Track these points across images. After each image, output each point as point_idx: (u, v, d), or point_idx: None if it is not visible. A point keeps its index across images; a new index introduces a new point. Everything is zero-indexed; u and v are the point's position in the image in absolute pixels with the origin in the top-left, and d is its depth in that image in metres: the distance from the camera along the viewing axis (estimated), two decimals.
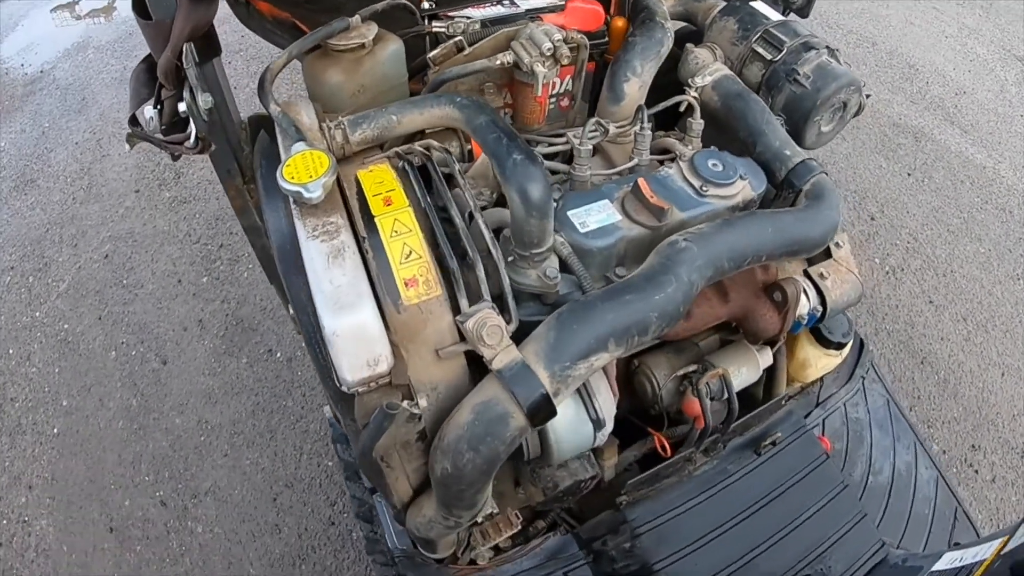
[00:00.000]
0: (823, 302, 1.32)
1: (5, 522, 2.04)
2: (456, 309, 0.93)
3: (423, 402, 0.91)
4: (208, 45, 1.16)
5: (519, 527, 1.23)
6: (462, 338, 0.93)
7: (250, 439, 2.22)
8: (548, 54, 1.21)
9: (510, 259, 1.01)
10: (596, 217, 1.11)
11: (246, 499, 2.12)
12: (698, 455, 1.36)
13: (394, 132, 1.13)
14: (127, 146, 1.20)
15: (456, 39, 1.29)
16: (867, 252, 2.77)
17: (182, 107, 1.14)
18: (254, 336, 2.41)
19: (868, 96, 1.41)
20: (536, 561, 1.33)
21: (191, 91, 1.11)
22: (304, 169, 0.95)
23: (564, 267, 1.06)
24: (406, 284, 0.91)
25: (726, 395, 1.31)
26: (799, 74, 1.30)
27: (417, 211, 0.98)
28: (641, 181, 1.11)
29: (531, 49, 1.22)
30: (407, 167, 1.05)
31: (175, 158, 1.25)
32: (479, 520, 1.18)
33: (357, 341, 0.85)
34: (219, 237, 2.62)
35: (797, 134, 1.35)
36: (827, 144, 1.47)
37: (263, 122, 1.33)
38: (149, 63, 1.15)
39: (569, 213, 1.10)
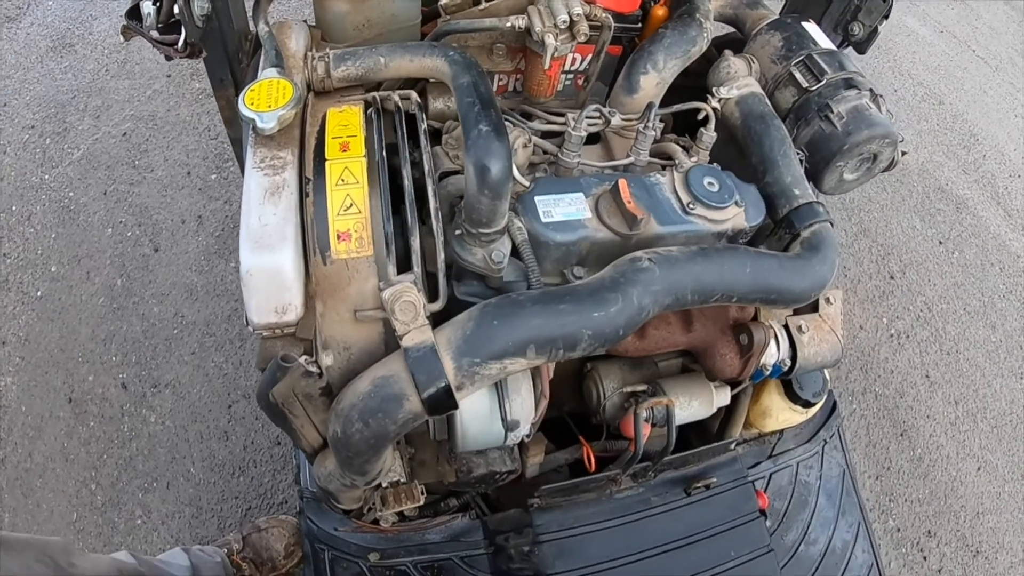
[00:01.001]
0: (793, 356, 1.24)
1: None
2: (386, 274, 0.89)
3: (328, 360, 0.88)
4: None
5: (420, 501, 1.21)
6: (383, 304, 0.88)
7: (220, 343, 2.23)
8: (563, 27, 1.13)
9: (458, 232, 0.96)
10: (564, 209, 1.04)
11: (203, 400, 2.14)
12: (624, 478, 1.31)
13: (380, 75, 1.07)
14: (121, 38, 1.17)
15: None
16: (877, 310, 2.64)
17: (176, 7, 1.10)
18: None
19: (904, 153, 1.29)
20: (438, 537, 1.30)
21: None
22: (265, 97, 0.91)
23: (517, 253, 1.00)
24: (338, 237, 0.87)
25: (663, 421, 1.26)
26: (832, 111, 1.19)
27: (371, 163, 0.93)
28: (622, 182, 1.04)
29: (547, 18, 1.14)
30: (375, 115, 0.99)
31: (168, 58, 1.21)
32: (383, 484, 1.16)
33: (269, 284, 0.82)
34: None
35: (816, 175, 1.25)
36: (855, 190, 1.36)
37: None
38: None
39: (537, 198, 1.04)
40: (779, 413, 1.50)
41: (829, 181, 1.27)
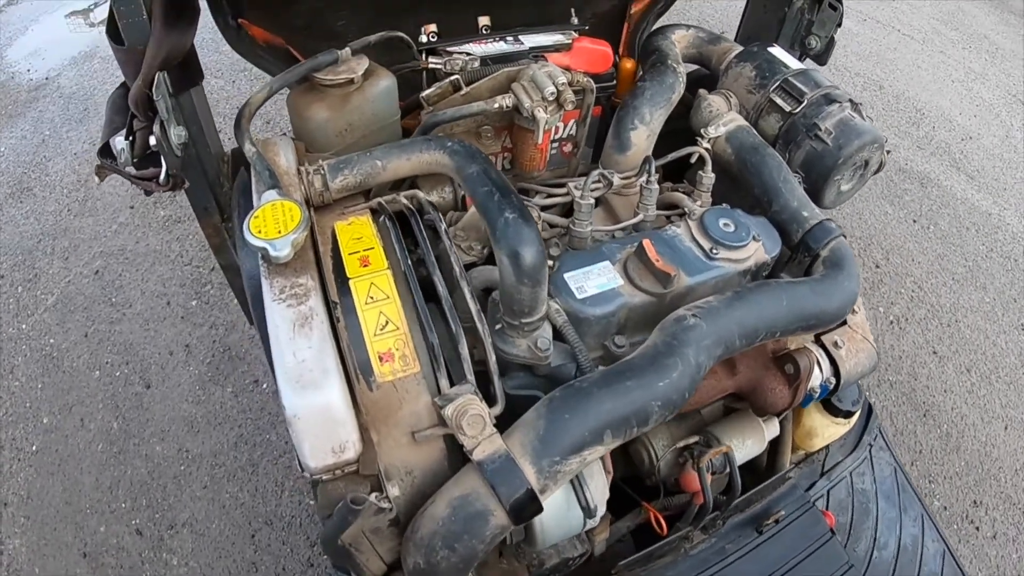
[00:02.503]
0: (836, 373, 1.24)
1: None
2: (436, 387, 0.85)
3: (395, 491, 0.82)
4: (186, 73, 1.08)
5: None
6: (442, 420, 0.84)
7: (231, 472, 2.13)
8: (551, 99, 1.14)
9: (498, 327, 0.93)
10: (596, 281, 1.02)
11: (224, 534, 2.03)
12: (695, 532, 1.27)
13: (378, 179, 1.06)
14: (96, 179, 1.13)
15: (452, 78, 1.21)
16: (872, 301, 2.68)
17: (152, 140, 1.05)
18: (241, 365, 2.33)
19: (888, 152, 1.33)
20: None
21: (161, 125, 1.03)
22: (273, 222, 0.87)
23: (558, 335, 0.98)
24: (380, 359, 0.83)
25: (727, 470, 1.23)
26: (820, 129, 1.22)
27: (396, 274, 0.90)
28: (646, 243, 1.03)
29: (533, 92, 1.15)
30: (388, 222, 0.97)
31: (148, 193, 1.17)
32: None
33: (321, 424, 0.77)
34: (211, 260, 2.54)
35: (816, 193, 1.27)
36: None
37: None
38: (125, 89, 1.07)
39: (566, 276, 1.02)
40: (824, 430, 1.48)
41: (829, 196, 1.29)
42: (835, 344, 1.25)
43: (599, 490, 0.95)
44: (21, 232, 2.65)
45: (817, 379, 1.22)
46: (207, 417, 2.22)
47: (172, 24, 0.98)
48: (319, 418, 0.77)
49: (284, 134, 1.25)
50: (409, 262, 0.91)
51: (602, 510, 0.98)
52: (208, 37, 1.59)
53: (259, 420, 2.23)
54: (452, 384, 0.84)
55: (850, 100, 1.26)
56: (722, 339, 0.96)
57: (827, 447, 1.53)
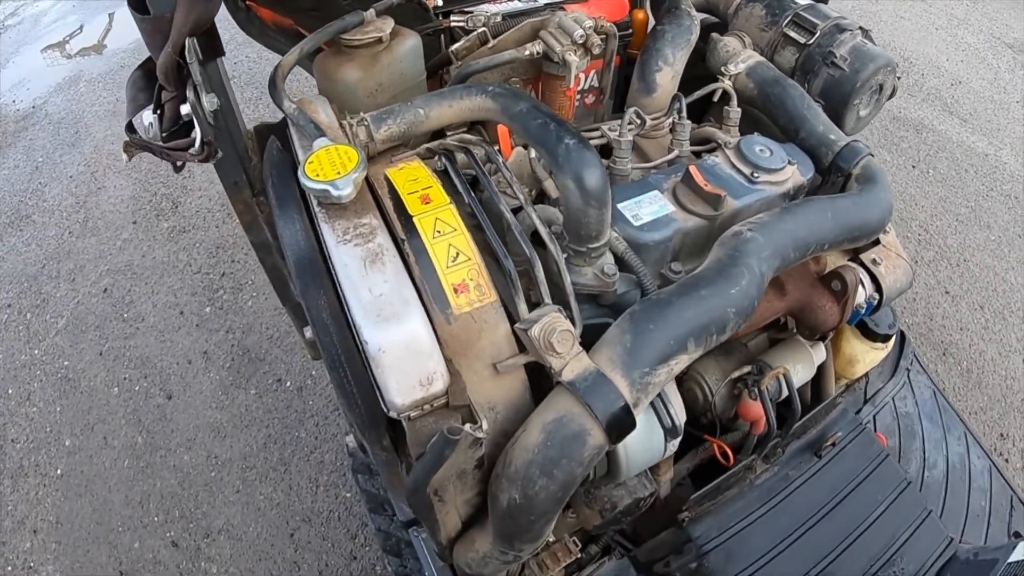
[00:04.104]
0: (878, 289, 1.26)
1: (10, 568, 1.92)
2: (512, 316, 0.85)
3: (485, 425, 0.81)
4: (211, 44, 1.05)
5: (578, 554, 1.13)
6: (521, 348, 0.84)
7: (263, 473, 2.11)
8: (580, 42, 1.15)
9: (564, 256, 0.94)
10: (649, 209, 1.04)
11: (261, 536, 2.00)
12: (758, 462, 1.28)
13: (422, 128, 1.05)
14: (124, 157, 1.10)
15: (480, 30, 1.22)
16: None
17: (184, 109, 1.04)
18: (262, 366, 2.31)
19: (899, 77, 1.36)
20: None
21: (195, 90, 1.02)
22: (330, 165, 0.86)
23: (620, 264, 0.99)
24: (455, 290, 0.82)
25: (783, 396, 1.24)
26: (836, 57, 1.24)
27: (460, 208, 0.89)
28: (693, 169, 1.05)
29: (562, 38, 1.16)
30: (444, 160, 0.97)
31: (178, 169, 1.16)
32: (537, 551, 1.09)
33: (407, 357, 0.75)
34: (220, 266, 2.52)
35: (837, 119, 1.29)
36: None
37: (272, 130, 1.24)
38: (146, 68, 1.06)
39: (620, 206, 1.03)
40: (864, 356, 1.50)
41: (849, 121, 1.32)
42: (873, 261, 1.27)
43: (679, 408, 0.96)
44: (24, 260, 2.61)
45: (861, 296, 1.24)
46: (233, 421, 2.20)
47: None
48: (404, 351, 0.76)
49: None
50: (473, 194, 0.91)
51: (680, 431, 0.98)
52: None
53: (286, 419, 2.21)
54: (530, 310, 0.84)
55: (860, 28, 1.29)
56: (778, 250, 0.98)
57: (867, 375, 1.56)
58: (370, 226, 0.84)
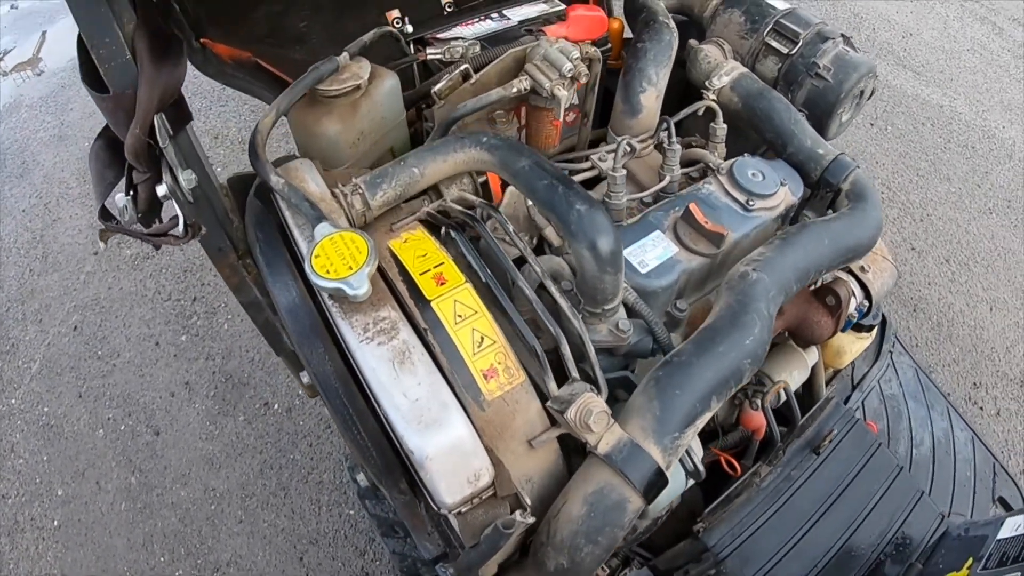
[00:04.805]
0: (868, 295, 1.30)
1: None
2: (540, 390, 0.85)
3: (527, 499, 0.83)
4: (179, 113, 0.98)
5: (606, 571, 1.18)
6: (552, 421, 0.85)
7: (263, 500, 2.10)
8: (569, 75, 1.12)
9: (580, 316, 0.94)
10: (653, 253, 1.04)
11: (271, 563, 2.00)
12: (762, 466, 1.33)
13: (417, 187, 1.02)
14: (101, 244, 1.04)
15: (463, 67, 1.17)
16: None
17: (161, 190, 0.97)
18: (247, 391, 2.27)
19: (875, 77, 1.37)
20: None
21: (171, 172, 0.96)
22: (338, 258, 0.83)
23: (630, 312, 0.99)
24: (485, 376, 0.82)
25: (781, 402, 1.29)
26: (819, 67, 1.25)
27: (477, 286, 0.88)
28: (693, 207, 1.05)
29: (550, 72, 1.13)
30: (453, 233, 0.95)
31: (157, 248, 1.09)
32: None
33: (454, 459, 0.76)
34: (191, 290, 2.43)
35: (820, 128, 1.30)
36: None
37: (246, 182, 1.18)
38: (108, 138, 0.98)
39: (626, 252, 1.03)
40: (851, 346, 1.56)
41: (832, 129, 1.33)
42: (862, 269, 1.31)
43: (698, 448, 0.99)
44: None
45: (853, 305, 1.28)
46: (225, 451, 2.17)
47: (162, 59, 0.89)
48: (450, 454, 0.76)
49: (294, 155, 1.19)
50: (489, 271, 0.90)
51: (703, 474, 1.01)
52: None
53: (279, 442, 2.19)
54: (558, 386, 0.84)
55: (841, 35, 1.29)
56: (783, 287, 1.00)
57: (852, 363, 1.62)
58: (391, 320, 0.82)
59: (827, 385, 1.59)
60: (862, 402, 1.58)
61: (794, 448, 1.40)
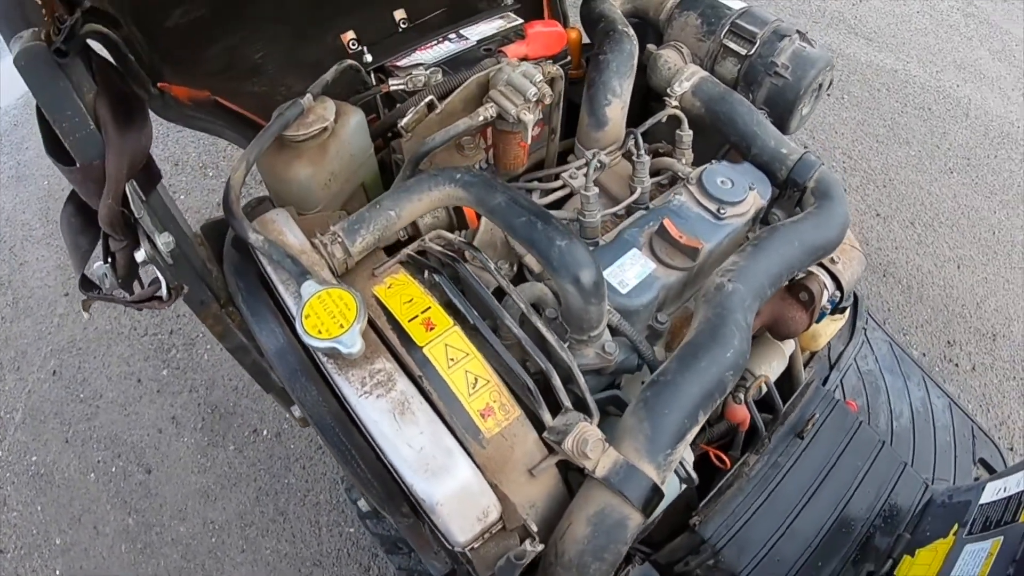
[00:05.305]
0: (838, 285, 1.34)
1: None
2: (535, 420, 0.87)
3: (534, 527, 0.86)
4: (148, 176, 0.96)
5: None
6: (549, 448, 0.88)
7: (263, 528, 2.10)
8: (534, 99, 1.13)
9: (566, 344, 0.96)
10: (632, 271, 1.06)
11: None
12: (750, 456, 1.38)
13: (395, 229, 1.03)
14: (85, 314, 1.03)
15: (428, 99, 1.17)
16: None
17: (140, 256, 0.96)
18: (234, 420, 2.26)
19: (833, 68, 1.40)
20: None
21: (148, 239, 0.94)
22: (328, 316, 0.83)
23: (613, 331, 1.02)
24: (482, 415, 0.84)
25: (763, 393, 1.33)
26: (778, 66, 1.27)
27: (465, 326, 0.90)
28: (667, 223, 1.07)
29: (514, 97, 1.13)
30: (437, 278, 0.96)
31: (140, 309, 1.08)
32: None
33: (463, 501, 0.78)
34: (167, 323, 2.40)
35: (781, 124, 1.33)
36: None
37: (220, 227, 1.17)
38: (78, 204, 0.95)
39: (605, 273, 1.05)
40: (825, 329, 1.61)
41: (793, 124, 1.36)
42: (831, 260, 1.35)
43: (690, 458, 1.02)
44: None
45: (825, 297, 1.32)
46: (219, 482, 2.16)
47: (128, 125, 0.88)
48: (459, 497, 0.78)
49: (267, 200, 1.18)
50: (475, 312, 0.91)
51: (696, 480, 1.05)
52: None
53: (272, 468, 2.19)
54: (552, 416, 0.87)
55: (797, 31, 1.31)
56: (758, 294, 1.03)
57: (828, 344, 1.67)
58: (386, 371, 0.83)
59: (805, 367, 1.64)
60: (840, 381, 1.64)
61: (779, 435, 1.45)
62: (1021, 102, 3.22)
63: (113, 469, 2.17)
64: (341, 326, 0.82)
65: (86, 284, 0.98)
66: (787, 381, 1.59)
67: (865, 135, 3.00)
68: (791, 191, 1.25)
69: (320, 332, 0.81)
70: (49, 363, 2.35)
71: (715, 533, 1.32)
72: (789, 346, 1.43)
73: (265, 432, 2.25)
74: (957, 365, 2.37)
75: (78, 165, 0.85)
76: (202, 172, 2.85)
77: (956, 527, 1.33)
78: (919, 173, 2.88)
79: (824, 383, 1.63)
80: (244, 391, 2.31)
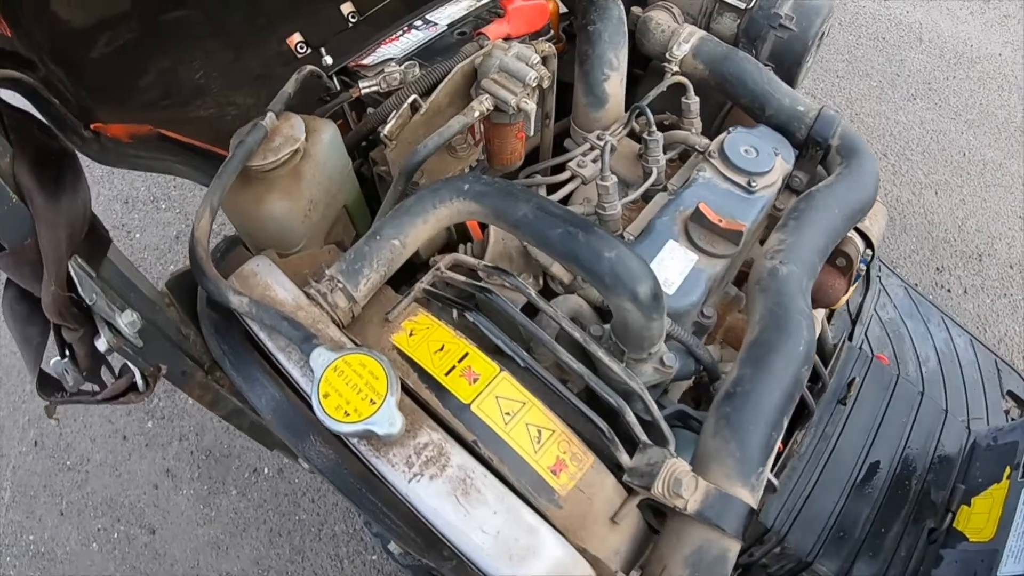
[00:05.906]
0: (868, 244, 1.27)
1: None
2: (610, 461, 0.77)
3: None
4: (94, 242, 0.78)
5: None
6: (628, 490, 0.78)
7: (281, 570, 1.98)
8: (533, 84, 0.99)
9: (623, 364, 0.85)
10: (674, 267, 0.95)
11: None
12: (797, 433, 1.32)
13: (401, 260, 0.88)
14: (53, 421, 0.86)
15: (410, 98, 1.02)
16: None
17: (102, 345, 0.78)
18: (232, 462, 2.11)
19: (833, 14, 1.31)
20: None
21: (108, 325, 0.77)
22: (352, 391, 0.69)
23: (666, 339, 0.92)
24: (553, 472, 0.73)
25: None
26: (782, 17, 1.16)
27: (514, 371, 0.78)
28: (704, 207, 0.96)
29: (511, 84, 1.00)
30: (471, 316, 0.83)
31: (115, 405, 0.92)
32: None
33: None
34: None
35: (789, 79, 1.24)
36: None
37: (186, 280, 1.00)
38: (20, 290, 0.78)
39: None
40: None
41: (800, 78, 1.27)
42: None
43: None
44: None
45: (858, 257, 1.25)
46: (227, 530, 2.03)
47: (57, 189, 0.70)
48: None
49: (238, 242, 1.03)
50: (524, 352, 0.79)
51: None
52: None
53: (280, 506, 2.06)
54: (630, 455, 0.77)
55: None
56: (811, 272, 0.96)
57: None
58: (435, 445, 0.71)
59: (828, 324, 1.58)
60: (865, 334, 1.59)
61: (822, 405, 1.40)
62: (970, 21, 3.21)
63: (115, 535, 2.01)
64: (372, 402, 0.68)
65: (45, 384, 0.81)
66: (818, 347, 1.53)
67: (825, 72, 2.94)
68: (813, 151, 1.15)
69: (347, 415, 0.67)
70: (28, 434, 2.17)
71: (777, 519, 1.26)
72: (820, 313, 1.36)
73: (266, 470, 2.12)
74: (949, 290, 2.37)
75: (7, 250, 0.68)
76: (155, 206, 2.63)
77: (1008, 470, 1.30)
78: (883, 103, 2.84)
79: (850, 339, 1.58)
80: (236, 432, 2.14)
